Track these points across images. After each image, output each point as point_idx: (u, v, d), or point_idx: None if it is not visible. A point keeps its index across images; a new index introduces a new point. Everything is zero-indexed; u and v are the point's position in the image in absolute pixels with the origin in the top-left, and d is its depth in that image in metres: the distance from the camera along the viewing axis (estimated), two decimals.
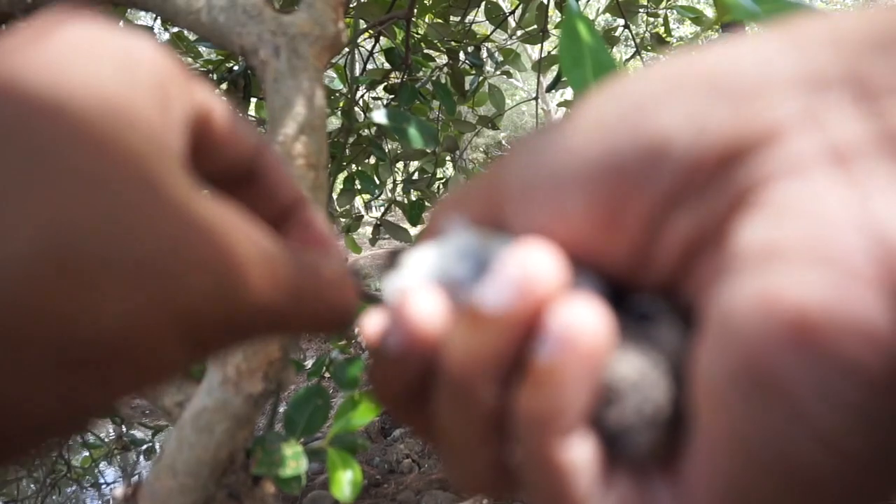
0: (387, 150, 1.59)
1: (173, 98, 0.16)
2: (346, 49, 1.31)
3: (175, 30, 1.52)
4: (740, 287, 0.14)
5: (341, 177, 1.60)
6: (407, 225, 1.71)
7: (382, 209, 1.70)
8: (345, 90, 1.48)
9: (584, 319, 0.15)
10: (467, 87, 1.68)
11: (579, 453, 0.16)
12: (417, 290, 0.18)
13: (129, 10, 1.31)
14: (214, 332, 0.15)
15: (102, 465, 2.37)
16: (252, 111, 1.70)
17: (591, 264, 0.17)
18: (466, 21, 1.67)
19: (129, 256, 0.13)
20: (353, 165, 1.65)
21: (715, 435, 0.15)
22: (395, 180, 2.07)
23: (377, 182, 1.66)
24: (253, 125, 0.21)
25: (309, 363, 1.15)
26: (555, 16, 1.75)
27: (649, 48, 1.76)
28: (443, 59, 1.66)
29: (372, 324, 0.19)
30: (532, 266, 0.16)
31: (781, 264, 0.13)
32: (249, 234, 0.16)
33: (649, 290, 0.17)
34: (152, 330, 0.14)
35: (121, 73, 0.15)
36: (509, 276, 0.16)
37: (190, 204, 0.15)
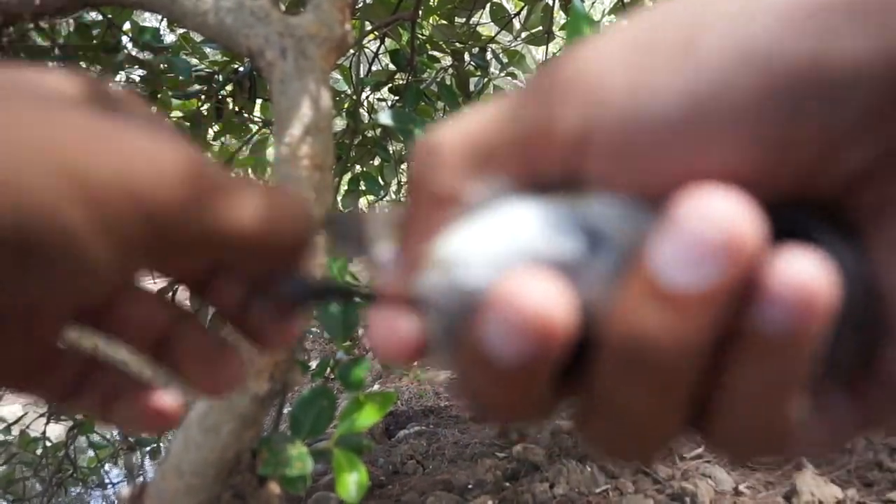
0: (392, 152, 1.59)
1: None
2: (352, 50, 1.31)
3: (182, 31, 1.52)
4: None
5: (346, 178, 1.61)
6: None
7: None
8: (350, 91, 1.49)
9: (812, 275, 0.13)
10: (472, 88, 1.68)
11: (806, 405, 0.15)
12: (525, 274, 0.14)
13: (135, 12, 1.31)
14: (130, 223, 0.16)
15: (108, 465, 2.38)
16: (258, 112, 1.70)
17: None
18: (471, 22, 1.67)
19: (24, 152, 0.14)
20: (358, 166, 1.65)
21: None
22: (399, 182, 2.07)
23: (382, 183, 1.66)
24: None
25: (314, 364, 1.15)
26: (559, 17, 1.74)
27: None
28: (448, 61, 1.66)
29: (387, 328, 0.16)
30: (736, 221, 0.13)
31: None
32: (152, 140, 0.17)
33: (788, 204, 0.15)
34: (62, 219, 0.14)
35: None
36: (706, 240, 0.13)
37: (84, 115, 0.16)
